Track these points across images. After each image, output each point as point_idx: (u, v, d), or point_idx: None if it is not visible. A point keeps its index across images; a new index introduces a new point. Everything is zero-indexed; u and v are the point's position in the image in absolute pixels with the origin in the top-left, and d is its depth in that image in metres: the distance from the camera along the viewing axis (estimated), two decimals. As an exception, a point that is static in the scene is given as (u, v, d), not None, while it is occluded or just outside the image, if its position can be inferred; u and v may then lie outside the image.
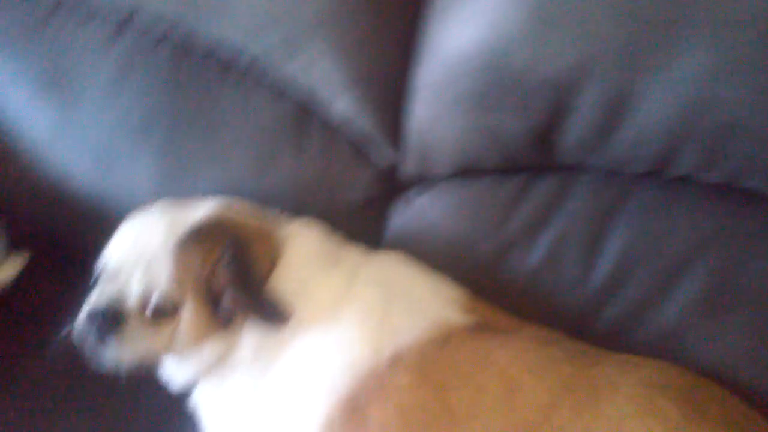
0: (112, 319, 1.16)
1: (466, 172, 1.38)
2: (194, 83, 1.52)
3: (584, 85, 1.16)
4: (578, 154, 1.26)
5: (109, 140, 1.57)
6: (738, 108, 1.09)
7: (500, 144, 1.29)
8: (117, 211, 1.36)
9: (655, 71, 1.11)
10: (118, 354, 1.18)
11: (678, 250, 1.23)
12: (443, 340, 1.17)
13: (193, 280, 1.17)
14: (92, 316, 1.17)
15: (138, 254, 1.18)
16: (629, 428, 1.03)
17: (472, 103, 1.25)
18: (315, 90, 1.43)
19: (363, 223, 1.48)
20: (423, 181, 1.44)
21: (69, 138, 1.61)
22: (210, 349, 1.21)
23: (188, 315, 1.17)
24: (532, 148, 1.28)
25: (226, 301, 1.18)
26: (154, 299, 1.16)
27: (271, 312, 1.17)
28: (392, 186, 1.47)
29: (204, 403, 1.29)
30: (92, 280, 1.23)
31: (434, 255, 1.37)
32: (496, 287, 1.34)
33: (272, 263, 1.23)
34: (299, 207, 1.44)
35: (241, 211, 1.31)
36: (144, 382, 1.27)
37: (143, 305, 1.17)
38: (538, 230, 1.33)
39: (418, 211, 1.44)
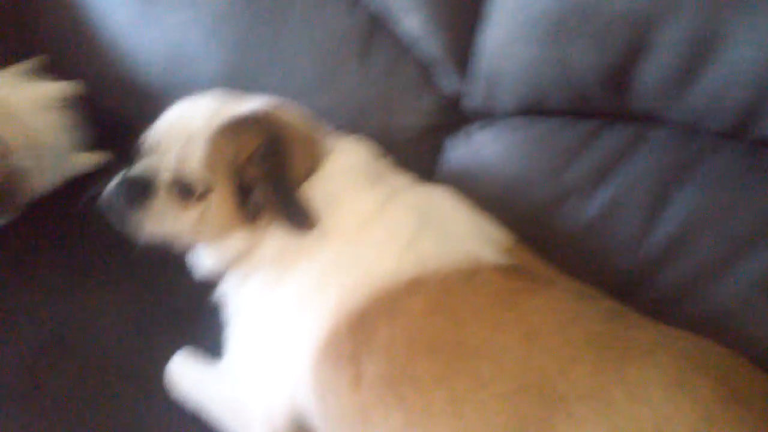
0: (142, 189, 1.17)
1: (532, 110, 1.29)
2: (269, -13, 1.49)
3: (668, 19, 1.05)
4: (654, 101, 1.14)
5: (182, 37, 1.57)
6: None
7: (571, 80, 1.19)
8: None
9: (747, 10, 0.98)
10: (143, 224, 1.19)
11: (747, 223, 1.10)
12: (470, 274, 1.10)
13: (226, 167, 1.14)
14: (125, 182, 1.18)
15: (179, 133, 1.18)
16: (651, 396, 0.93)
17: (546, 29, 1.16)
18: (388, 4, 1.37)
19: (417, 152, 1.42)
20: (486, 115, 1.36)
21: (146, 32, 1.63)
22: (233, 241, 1.20)
23: (215, 201, 1.16)
24: (604, 89, 1.17)
25: (256, 195, 1.15)
26: (183, 178, 1.15)
27: (297, 215, 1.14)
28: (453, 117, 1.40)
29: (228, 297, 1.27)
30: (133, 153, 1.23)
31: (486, 195, 1.29)
32: (546, 236, 1.26)
33: (310, 170, 1.20)
34: (355, 126, 1.39)
35: (293, 114, 1.26)
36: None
37: (174, 183, 1.16)
38: (600, 181, 1.23)
39: (477, 148, 1.36)
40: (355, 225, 1.16)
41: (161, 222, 1.18)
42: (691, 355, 0.99)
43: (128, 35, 1.65)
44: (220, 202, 1.16)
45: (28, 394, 1.28)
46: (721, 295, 1.11)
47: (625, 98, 1.17)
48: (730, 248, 1.11)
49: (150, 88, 1.65)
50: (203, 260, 1.26)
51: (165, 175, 1.17)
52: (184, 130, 1.17)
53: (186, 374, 1.26)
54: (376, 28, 1.41)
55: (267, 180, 1.14)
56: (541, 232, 1.26)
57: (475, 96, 1.35)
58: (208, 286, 1.31)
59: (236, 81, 1.49)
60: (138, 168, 1.19)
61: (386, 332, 1.05)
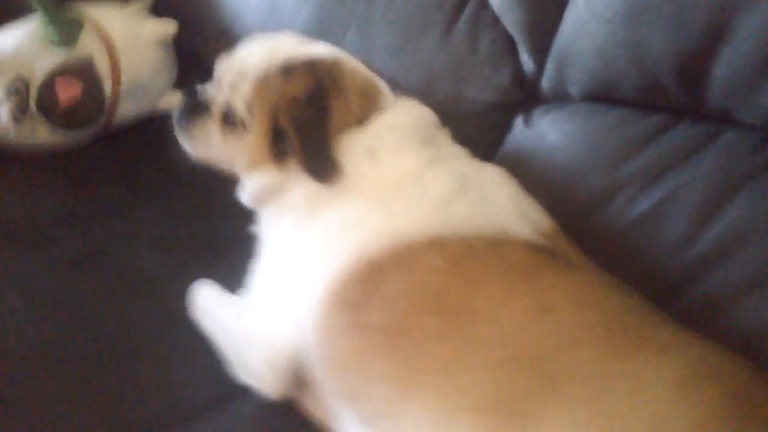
0: (195, 112, 1.27)
1: (601, 97, 1.23)
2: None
3: (750, 4, 0.97)
4: (728, 95, 1.06)
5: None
6: None
7: (643, 66, 1.13)
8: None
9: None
10: (193, 143, 1.30)
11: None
12: (496, 243, 1.06)
13: (265, 107, 1.18)
14: (188, 102, 1.29)
15: (237, 69, 1.23)
16: (654, 392, 0.87)
17: (620, 8, 1.11)
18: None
19: (484, 127, 1.40)
20: (557, 98, 1.31)
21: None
22: (265, 177, 1.21)
23: (250, 137, 1.20)
24: (678, 79, 1.10)
25: (287, 140, 1.17)
26: (229, 109, 1.21)
27: (319, 167, 1.14)
28: (526, 97, 1.36)
29: (263, 231, 1.28)
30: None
31: (541, 180, 1.25)
32: (592, 229, 1.19)
33: (355, 122, 1.19)
34: (426, 92, 1.37)
35: (355, 68, 1.26)
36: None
37: (223, 111, 1.23)
38: (657, 178, 1.15)
39: (541, 131, 1.31)
40: (392, 180, 1.15)
41: (208, 144, 1.27)
42: (708, 362, 0.92)
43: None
44: (254, 138, 1.20)
45: (61, 296, 1.34)
46: (761, 310, 1.01)
47: (698, 91, 1.10)
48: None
49: (242, 35, 1.69)
50: (243, 188, 1.28)
51: (219, 103, 1.24)
52: (242, 67, 1.22)
53: (204, 300, 1.28)
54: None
55: (296, 128, 1.15)
56: (588, 224, 1.20)
57: (547, 76, 1.31)
58: (249, 221, 1.33)
59: (321, 32, 1.50)
60: (203, 93, 1.28)
61: (398, 284, 1.03)
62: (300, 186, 1.18)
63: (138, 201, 1.57)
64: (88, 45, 1.61)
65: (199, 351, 1.25)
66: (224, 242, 1.42)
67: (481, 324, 0.96)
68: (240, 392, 1.20)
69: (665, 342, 0.94)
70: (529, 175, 1.24)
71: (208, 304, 1.28)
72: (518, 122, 1.36)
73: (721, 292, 1.06)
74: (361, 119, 1.19)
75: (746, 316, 1.03)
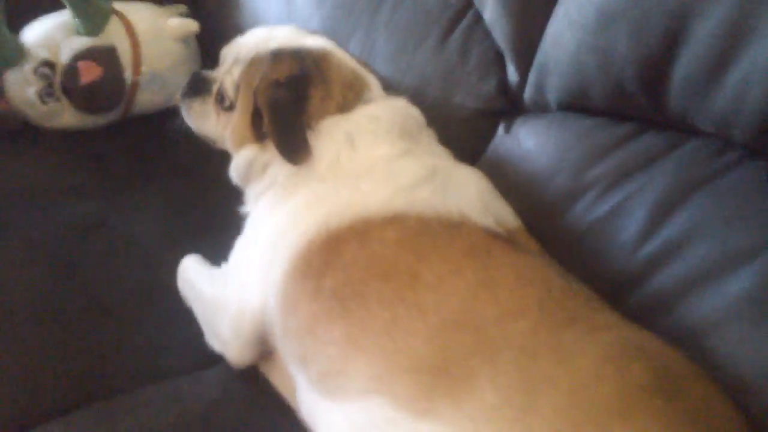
0: (198, 90, 1.40)
1: (575, 105, 1.29)
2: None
3: (705, 8, 1.02)
4: (686, 100, 1.11)
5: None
6: None
7: (611, 71, 1.18)
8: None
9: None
10: (191, 117, 1.42)
11: (745, 239, 1.03)
12: (454, 225, 1.11)
13: (249, 88, 1.27)
14: (190, 82, 1.41)
15: (235, 54, 1.34)
16: (578, 364, 0.91)
17: (591, 17, 1.17)
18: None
19: (469, 133, 1.46)
20: (536, 107, 1.38)
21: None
22: (247, 155, 1.30)
23: (235, 116, 1.31)
24: (641, 83, 1.15)
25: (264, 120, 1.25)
26: (221, 89, 1.32)
27: (288, 145, 1.21)
28: (510, 106, 1.43)
29: (249, 210, 1.35)
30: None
31: (513, 184, 1.31)
32: (554, 230, 1.25)
33: (337, 110, 1.26)
34: (416, 95, 1.44)
35: (344, 61, 1.33)
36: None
37: (217, 93, 1.35)
38: (617, 182, 1.20)
39: (517, 139, 1.37)
40: (364, 164, 1.21)
41: (203, 120, 1.39)
42: (635, 342, 0.96)
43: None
44: (239, 118, 1.30)
45: (60, 255, 1.43)
46: (707, 307, 1.03)
47: (659, 97, 1.14)
48: (726, 259, 1.03)
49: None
50: (232, 165, 1.36)
51: (216, 83, 1.35)
52: (241, 49, 1.33)
53: (188, 271, 1.35)
54: (469, 13, 1.49)
55: (269, 109, 1.23)
56: (553, 226, 1.25)
57: (530, 88, 1.37)
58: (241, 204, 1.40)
59: (333, 33, 1.58)
60: (206, 74, 1.41)
61: (353, 253, 1.08)
62: (279, 165, 1.25)
63: (144, 181, 1.67)
64: (113, 35, 1.73)
65: (181, 320, 1.32)
66: (219, 225, 1.44)
67: (424, 292, 1.01)
68: (214, 362, 1.26)
69: (597, 323, 0.98)
70: (504, 179, 1.31)
71: (191, 274, 1.35)
72: (500, 130, 1.42)
73: (669, 289, 1.08)
74: (343, 108, 1.26)
75: (692, 311, 1.05)
